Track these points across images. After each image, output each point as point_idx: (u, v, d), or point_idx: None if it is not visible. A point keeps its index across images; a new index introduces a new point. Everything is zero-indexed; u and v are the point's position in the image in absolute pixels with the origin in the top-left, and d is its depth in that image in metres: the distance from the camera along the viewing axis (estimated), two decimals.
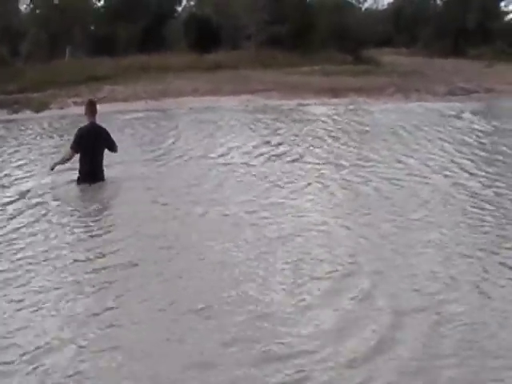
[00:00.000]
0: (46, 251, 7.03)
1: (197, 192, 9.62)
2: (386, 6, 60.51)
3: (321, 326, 5.15)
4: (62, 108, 23.87)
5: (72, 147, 10.32)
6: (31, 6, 44.57)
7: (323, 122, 18.25)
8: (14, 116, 23.50)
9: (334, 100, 24.10)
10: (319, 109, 21.85)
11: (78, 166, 10.28)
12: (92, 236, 7.59)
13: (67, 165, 10.54)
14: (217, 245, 7.08)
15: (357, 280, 6.09)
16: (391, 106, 22.74)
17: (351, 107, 22.30)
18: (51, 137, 16.67)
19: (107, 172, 10.53)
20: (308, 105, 22.97)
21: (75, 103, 23.72)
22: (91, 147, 10.18)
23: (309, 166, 11.60)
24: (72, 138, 10.51)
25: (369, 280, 6.06)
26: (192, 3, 53.47)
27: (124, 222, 8.22)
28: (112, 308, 5.55)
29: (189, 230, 7.81)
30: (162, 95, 25.65)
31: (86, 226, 8.05)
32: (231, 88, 26.56)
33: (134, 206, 9.05)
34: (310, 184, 10.04)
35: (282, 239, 7.25)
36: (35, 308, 5.57)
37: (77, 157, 10.31)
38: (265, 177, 10.65)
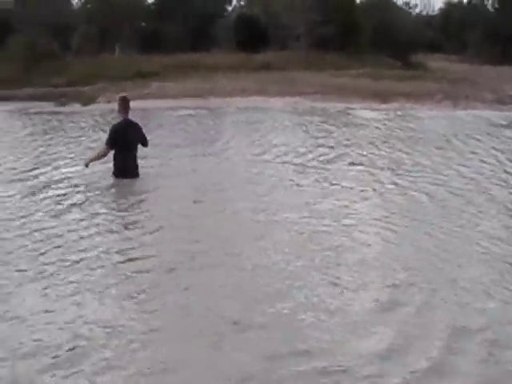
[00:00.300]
0: (83, 250, 6.97)
1: (250, 194, 9.53)
2: (436, 12, 60.13)
3: (374, 343, 4.94)
4: (109, 102, 24.02)
5: (107, 143, 10.39)
6: (82, 0, 45.10)
7: (374, 126, 18.13)
8: (61, 108, 23.78)
9: (383, 105, 23.88)
10: (368, 113, 21.70)
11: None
12: (127, 239, 7.44)
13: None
14: (262, 253, 6.86)
15: (411, 294, 5.89)
16: (439, 112, 22.48)
17: (399, 113, 22.09)
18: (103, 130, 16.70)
19: (160, 168, 10.56)
20: (355, 109, 22.80)
21: None
22: (125, 143, 10.25)
23: (364, 170, 11.50)
24: (107, 134, 10.65)
25: (423, 294, 5.87)
26: (242, 3, 53.68)
27: (163, 222, 8.08)
28: (149, 312, 5.43)
29: (233, 234, 7.63)
30: (209, 94, 25.76)
31: (122, 225, 8.02)
32: (278, 89, 26.55)
33: (175, 203, 9.02)
34: (365, 190, 9.91)
35: (334, 249, 7.04)
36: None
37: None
38: (319, 180, 10.55)
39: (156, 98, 25.21)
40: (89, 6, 44.01)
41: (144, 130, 10.76)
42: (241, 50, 38.55)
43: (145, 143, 10.61)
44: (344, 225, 7.96)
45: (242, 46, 39.73)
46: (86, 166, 10.50)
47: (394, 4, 47.67)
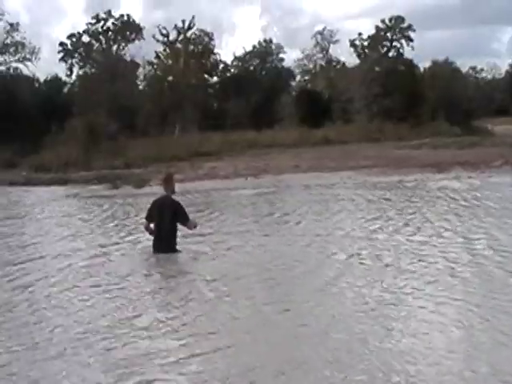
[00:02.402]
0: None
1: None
2: (503, 75, 59.15)
3: None
4: (161, 185, 23.81)
5: (145, 218, 10.95)
6: (145, 83, 46.05)
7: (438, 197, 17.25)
8: (114, 192, 23.68)
9: (439, 175, 22.98)
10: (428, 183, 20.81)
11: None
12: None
13: None
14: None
15: None
16: (498, 179, 21.36)
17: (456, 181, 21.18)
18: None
19: None
20: (408, 181, 21.96)
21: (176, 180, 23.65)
22: (158, 217, 10.56)
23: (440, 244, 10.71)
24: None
25: None
26: (306, 78, 53.85)
27: None
28: None
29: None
30: (262, 172, 25.31)
31: None
32: (334, 164, 25.97)
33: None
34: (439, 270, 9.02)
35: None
36: None
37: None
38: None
39: (209, 178, 24.94)
40: (149, 87, 44.88)
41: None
42: (303, 125, 38.39)
43: (183, 222, 10.64)
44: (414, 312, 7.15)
45: (303, 121, 39.59)
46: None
47: (459, 71, 46.96)
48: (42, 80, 52.05)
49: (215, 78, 51.43)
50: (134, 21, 51.50)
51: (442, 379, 5.33)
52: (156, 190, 22.88)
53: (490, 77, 61.47)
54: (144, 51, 49.54)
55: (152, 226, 10.67)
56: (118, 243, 12.16)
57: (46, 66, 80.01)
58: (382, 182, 22.20)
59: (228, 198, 20.14)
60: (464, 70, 55.04)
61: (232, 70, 52.33)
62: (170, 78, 45.21)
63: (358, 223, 13.60)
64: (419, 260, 9.57)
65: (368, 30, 78.85)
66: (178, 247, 10.57)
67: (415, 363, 5.63)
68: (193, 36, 49.90)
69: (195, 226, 10.84)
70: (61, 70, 53.00)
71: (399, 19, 48.34)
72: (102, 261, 10.59)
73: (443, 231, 11.97)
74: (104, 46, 50.26)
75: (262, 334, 6.66)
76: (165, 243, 10.46)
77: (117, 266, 10.15)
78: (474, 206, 15.29)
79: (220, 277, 8.96)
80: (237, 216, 15.68)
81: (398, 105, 39.31)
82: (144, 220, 10.98)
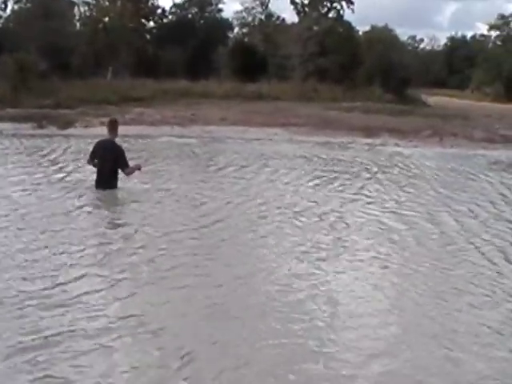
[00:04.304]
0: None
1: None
2: (441, 47, 59.84)
3: None
4: (86, 127, 23.67)
5: (89, 156, 11.69)
6: (79, 24, 45.08)
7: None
8: (39, 131, 23.37)
9: (366, 140, 23.35)
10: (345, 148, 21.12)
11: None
12: None
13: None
14: None
15: None
16: (423, 149, 21.85)
17: (379, 148, 21.57)
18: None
19: None
20: (334, 143, 22.28)
21: (102, 123, 23.46)
22: (100, 159, 11.30)
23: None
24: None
25: None
26: (244, 31, 53.53)
27: None
28: None
29: None
30: (189, 121, 25.28)
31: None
32: (263, 120, 26.06)
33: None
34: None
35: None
36: None
37: None
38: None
39: (136, 124, 24.76)
40: (84, 27, 43.96)
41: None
42: (237, 79, 38.19)
43: (122, 168, 11.31)
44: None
45: (238, 74, 39.39)
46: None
47: (397, 38, 47.38)
48: None
49: (152, 24, 50.74)
50: None
51: None
52: (79, 132, 22.87)
53: (429, 48, 62.17)
54: None
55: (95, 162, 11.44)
56: None
57: None
58: (307, 141, 22.50)
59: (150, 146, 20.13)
60: (404, 38, 55.64)
61: (170, 17, 51.74)
62: (106, 20, 44.37)
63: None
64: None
65: None
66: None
67: None
68: None
69: (139, 169, 11.57)
70: None
71: None
72: None
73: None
74: None
75: None
76: (107, 184, 11.21)
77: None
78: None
79: None
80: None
81: (333, 66, 39.44)
82: (88, 157, 11.73)
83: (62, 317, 5.69)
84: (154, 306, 6.11)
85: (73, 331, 5.38)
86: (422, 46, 62.07)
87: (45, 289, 6.32)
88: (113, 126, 11.66)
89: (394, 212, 10.77)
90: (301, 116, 27.64)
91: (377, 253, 8.16)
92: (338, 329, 5.77)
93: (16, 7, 49.89)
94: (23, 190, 11.37)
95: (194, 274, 7.04)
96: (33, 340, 5.19)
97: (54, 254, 7.50)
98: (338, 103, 33.47)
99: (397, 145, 22.85)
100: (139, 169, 11.54)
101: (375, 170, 16.28)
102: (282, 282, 6.85)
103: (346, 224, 9.68)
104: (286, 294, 6.52)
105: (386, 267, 7.61)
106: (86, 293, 6.29)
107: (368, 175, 15.28)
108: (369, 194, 12.55)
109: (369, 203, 11.50)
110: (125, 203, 10.80)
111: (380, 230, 9.39)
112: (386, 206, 11.39)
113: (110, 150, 11.32)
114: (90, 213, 9.82)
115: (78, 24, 49.80)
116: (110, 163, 11.25)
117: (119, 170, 11.32)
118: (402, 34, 74.86)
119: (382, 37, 44.54)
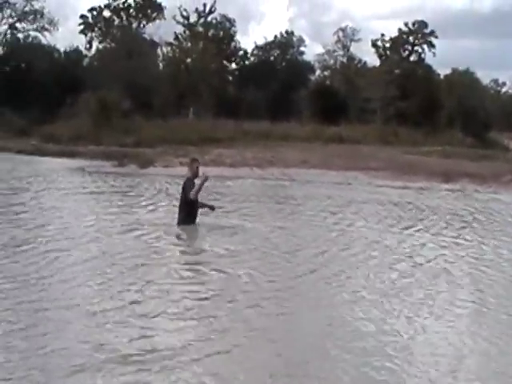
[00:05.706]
0: None
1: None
2: None
3: None
4: (166, 166, 23.84)
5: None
6: (161, 64, 45.86)
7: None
8: (118, 169, 23.66)
9: (445, 185, 22.71)
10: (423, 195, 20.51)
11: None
12: None
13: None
14: None
15: None
16: (503, 196, 21.00)
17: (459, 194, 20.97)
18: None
19: None
20: (412, 188, 21.72)
21: (181, 163, 23.55)
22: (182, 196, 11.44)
23: None
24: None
25: None
26: (325, 73, 53.46)
27: None
28: None
29: None
30: (268, 164, 25.16)
31: None
32: (343, 163, 25.72)
33: None
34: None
35: None
36: None
37: None
38: None
39: (215, 165, 24.75)
40: (168, 68, 44.71)
41: None
42: (318, 121, 38.05)
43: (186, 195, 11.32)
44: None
45: (318, 117, 39.26)
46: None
47: (478, 81, 46.61)
48: (61, 51, 51.89)
49: (234, 65, 51.23)
50: (155, 0, 51.59)
51: None
52: (159, 172, 23.00)
53: (511, 91, 61.00)
54: (162, 31, 49.56)
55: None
56: None
57: (72, 37, 79.98)
58: (386, 185, 22.04)
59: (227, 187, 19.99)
60: (485, 81, 54.70)
61: (252, 59, 52.09)
62: (189, 61, 44.98)
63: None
64: None
65: (394, 31, 78.70)
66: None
67: None
68: (213, 21, 49.83)
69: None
70: (82, 44, 52.94)
71: (422, 24, 47.96)
72: None
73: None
74: (124, 22, 50.21)
75: None
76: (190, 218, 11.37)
77: None
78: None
79: None
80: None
81: (413, 109, 39.05)
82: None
83: None
84: None
85: None
86: (504, 89, 61.42)
87: None
88: (190, 165, 11.70)
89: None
90: (380, 160, 27.22)
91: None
92: None
93: (100, 46, 51.35)
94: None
95: None
96: None
97: None
98: (418, 147, 33.02)
99: (476, 191, 22.09)
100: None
101: (470, 218, 15.47)
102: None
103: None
104: None
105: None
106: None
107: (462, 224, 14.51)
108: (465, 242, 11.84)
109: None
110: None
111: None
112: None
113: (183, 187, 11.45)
114: None
115: (160, 64, 50.86)
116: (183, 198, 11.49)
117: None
118: (484, 76, 73.88)
119: (463, 80, 43.87)
